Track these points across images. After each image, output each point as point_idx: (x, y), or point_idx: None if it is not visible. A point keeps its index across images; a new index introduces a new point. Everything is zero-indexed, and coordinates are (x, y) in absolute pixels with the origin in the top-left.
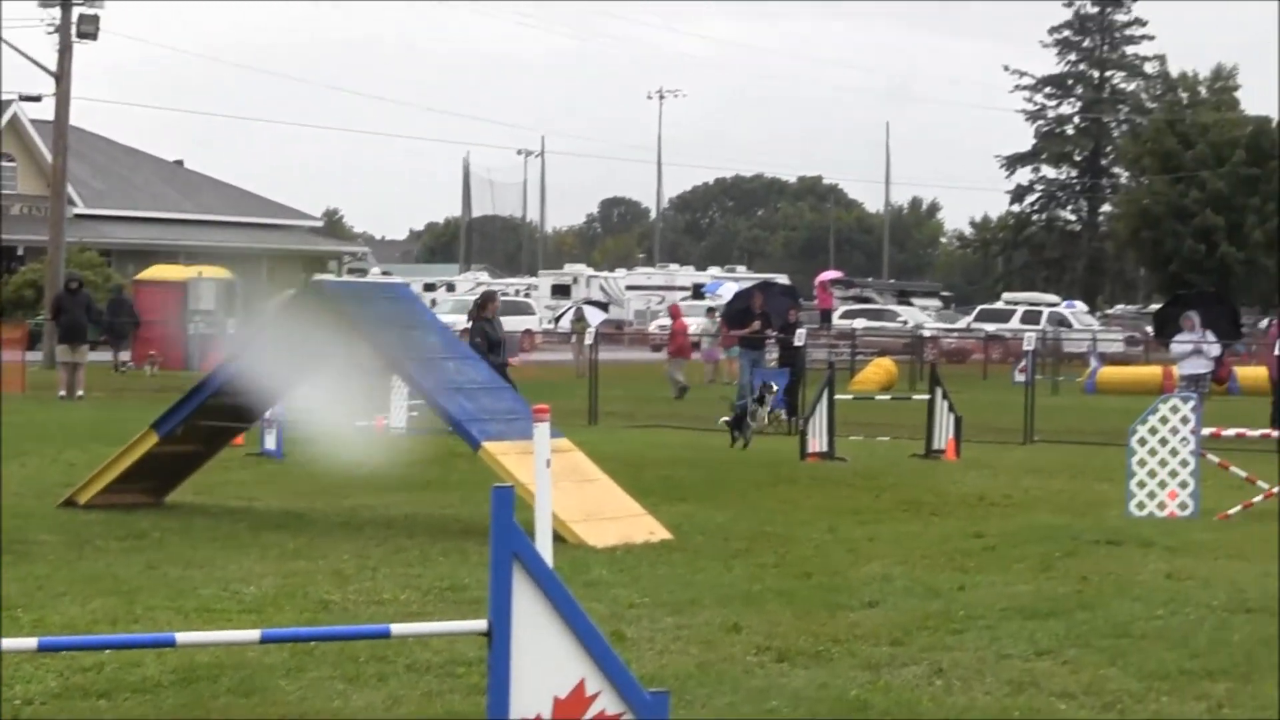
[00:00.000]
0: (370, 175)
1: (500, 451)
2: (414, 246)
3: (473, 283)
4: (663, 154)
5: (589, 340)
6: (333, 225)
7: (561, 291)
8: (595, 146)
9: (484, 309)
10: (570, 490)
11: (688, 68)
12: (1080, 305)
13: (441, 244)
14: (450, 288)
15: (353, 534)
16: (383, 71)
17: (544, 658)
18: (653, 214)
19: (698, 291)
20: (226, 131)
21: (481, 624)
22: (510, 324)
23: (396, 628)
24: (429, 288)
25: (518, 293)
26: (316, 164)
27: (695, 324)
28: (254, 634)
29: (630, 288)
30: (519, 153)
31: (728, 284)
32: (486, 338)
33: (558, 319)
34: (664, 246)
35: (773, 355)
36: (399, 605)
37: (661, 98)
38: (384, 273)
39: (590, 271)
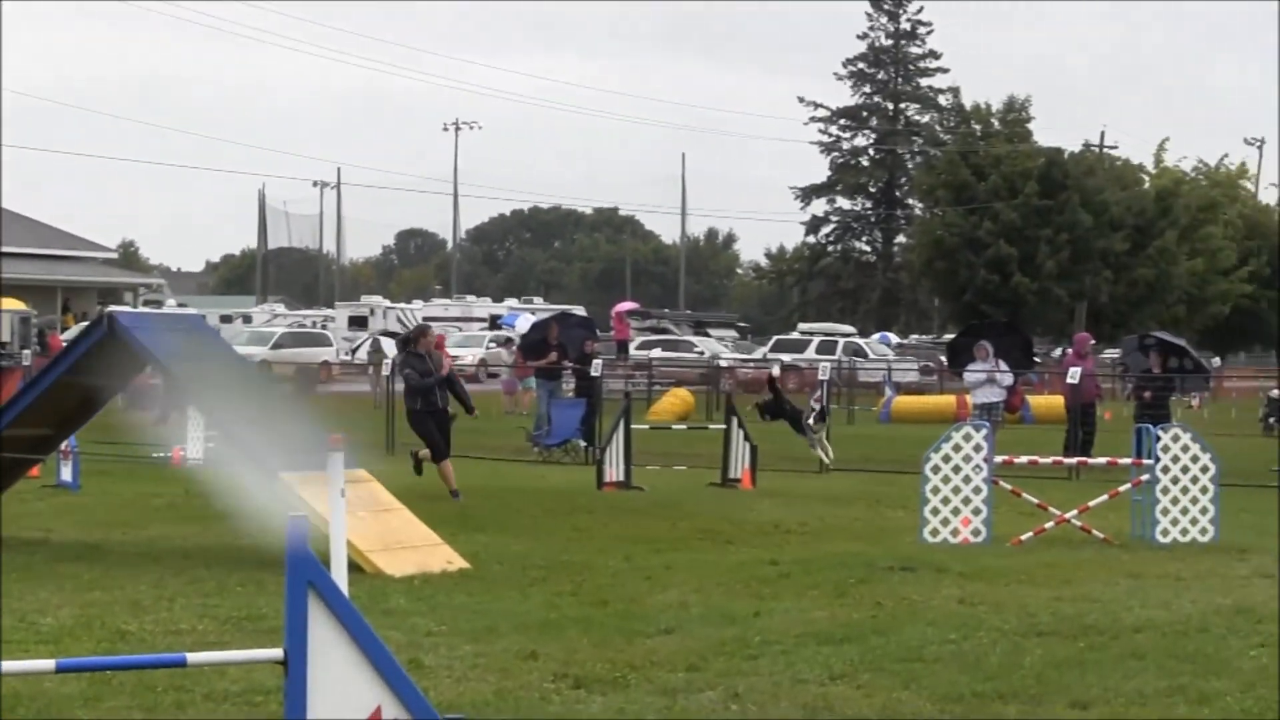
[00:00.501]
0: (166, 207)
1: (297, 481)
2: (210, 278)
3: (269, 314)
4: (459, 186)
5: (385, 371)
6: (128, 257)
7: (358, 323)
8: (392, 179)
9: (416, 343)
10: (367, 520)
11: (484, 100)
12: (893, 337)
13: (238, 276)
14: (247, 319)
15: (150, 564)
16: (176, 103)
17: (341, 685)
18: (449, 245)
19: (494, 323)
20: (18, 163)
21: (277, 653)
22: (307, 355)
23: (193, 656)
24: (225, 319)
25: (314, 324)
26: (111, 195)
27: (472, 355)
28: (49, 663)
29: (427, 319)
30: (315, 184)
31: (524, 316)
32: (417, 373)
33: (354, 350)
34: (461, 278)
35: (569, 386)
36: (196, 635)
37: (458, 129)
38: (180, 304)
39: (387, 303)
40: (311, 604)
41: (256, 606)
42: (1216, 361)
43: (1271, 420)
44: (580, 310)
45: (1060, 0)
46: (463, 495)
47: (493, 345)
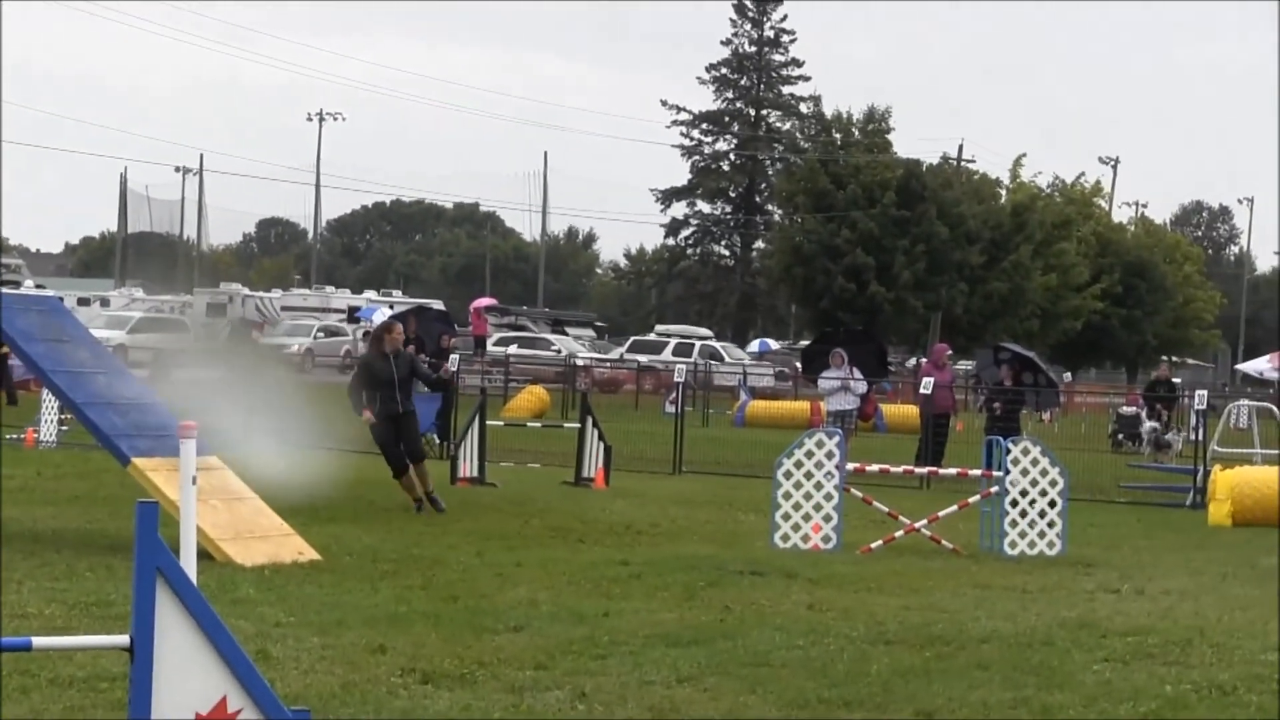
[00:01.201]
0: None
1: (150, 468)
2: (69, 260)
3: (128, 298)
4: (321, 176)
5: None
6: None
7: (217, 310)
8: (254, 166)
9: (381, 340)
10: (219, 508)
11: (347, 91)
12: (774, 344)
13: (97, 259)
14: (105, 303)
15: None
16: (38, 83)
17: (186, 674)
18: (310, 235)
19: (353, 314)
20: None
21: (124, 639)
22: (164, 341)
23: (38, 641)
24: (83, 302)
25: (172, 310)
26: None
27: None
28: None
29: (286, 308)
30: (177, 170)
31: (381, 308)
32: (371, 373)
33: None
34: (321, 268)
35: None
36: (44, 619)
37: (321, 120)
38: (38, 286)
39: (246, 291)
40: (160, 591)
41: (105, 592)
42: (1068, 376)
43: (1120, 436)
44: (439, 305)
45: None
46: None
47: (320, 335)
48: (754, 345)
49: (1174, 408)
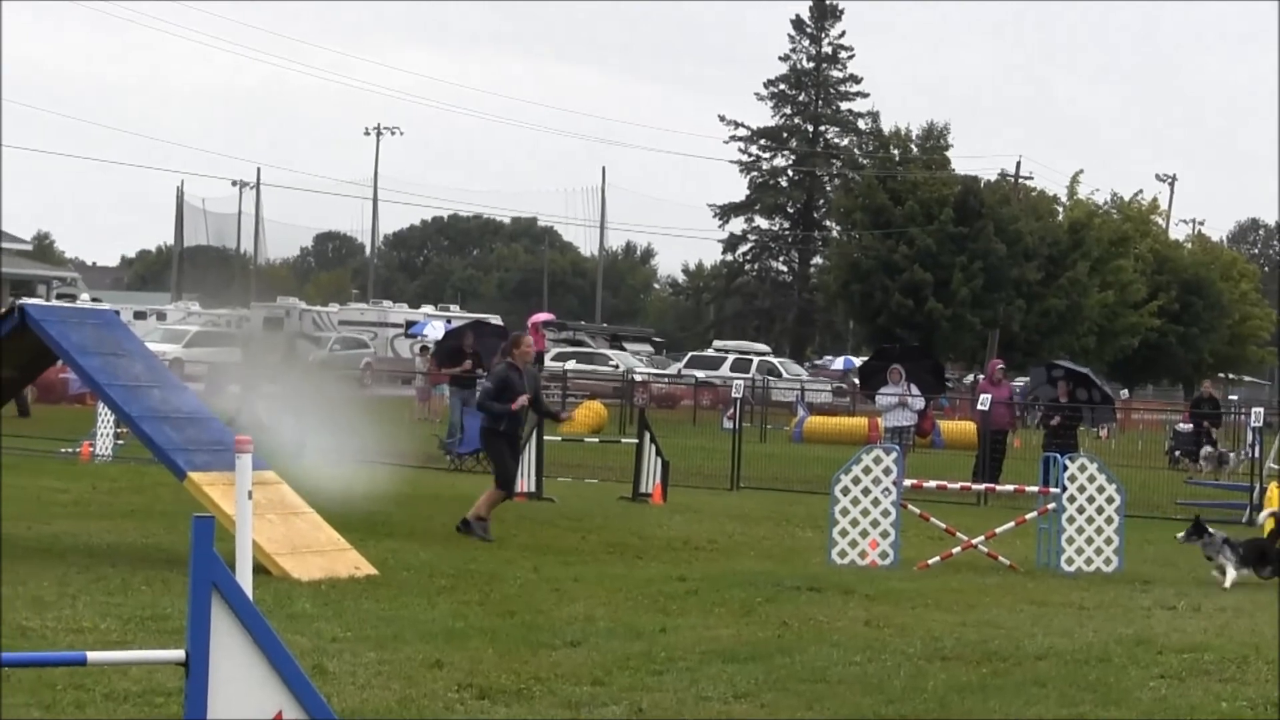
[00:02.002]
0: (82, 200)
1: (206, 482)
2: (125, 273)
3: (184, 312)
4: (379, 190)
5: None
6: (42, 249)
7: (274, 324)
8: (312, 181)
9: (510, 353)
10: (276, 523)
11: (406, 105)
12: (856, 361)
13: (153, 272)
14: (161, 316)
15: (54, 561)
16: (96, 96)
17: (242, 689)
18: (367, 250)
19: (408, 329)
20: None
21: (179, 654)
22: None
23: (93, 655)
24: (139, 315)
25: (228, 324)
26: (26, 187)
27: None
28: None
29: (343, 323)
30: (234, 183)
31: (435, 322)
32: (508, 386)
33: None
34: (378, 283)
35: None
36: (99, 634)
37: (379, 134)
38: (93, 299)
39: (303, 305)
40: (215, 606)
41: (161, 606)
42: (1124, 393)
43: (1177, 453)
44: (496, 319)
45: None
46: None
47: (337, 347)
48: (838, 363)
49: (1220, 424)
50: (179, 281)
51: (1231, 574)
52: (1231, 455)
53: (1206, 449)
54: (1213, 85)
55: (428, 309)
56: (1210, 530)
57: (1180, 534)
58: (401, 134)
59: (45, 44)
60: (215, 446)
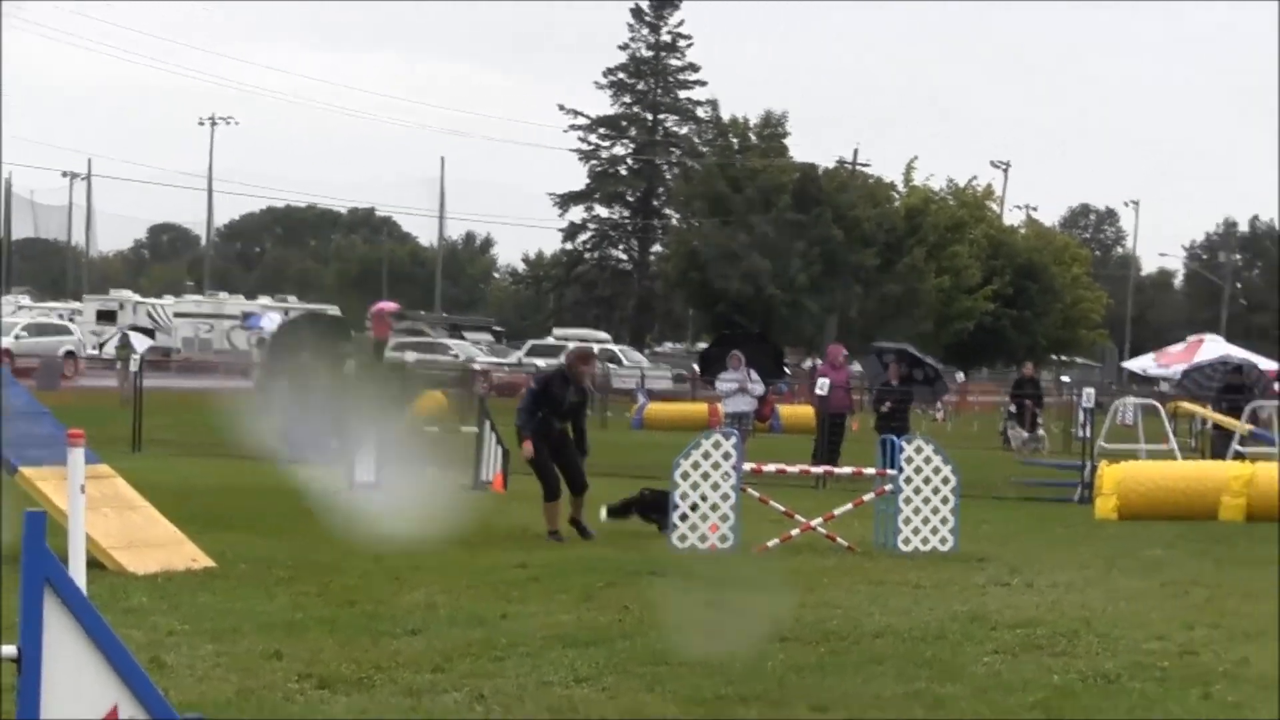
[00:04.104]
0: None
1: (38, 477)
2: None
3: (14, 305)
4: (214, 182)
5: (134, 368)
6: None
7: (107, 317)
8: (145, 172)
9: (572, 367)
10: (110, 517)
11: (241, 96)
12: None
13: None
14: None
15: None
16: None
17: (76, 684)
18: (203, 241)
19: (244, 321)
20: None
21: (11, 650)
22: (50, 346)
23: None
24: None
25: (60, 317)
26: None
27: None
28: None
29: (179, 315)
30: (64, 175)
31: (272, 314)
32: (544, 397)
33: (102, 345)
34: (214, 275)
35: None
36: None
37: (214, 124)
38: None
39: (137, 297)
40: (48, 601)
41: None
42: (961, 377)
43: (1010, 434)
44: (334, 310)
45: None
46: (209, 495)
47: (23, 335)
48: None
49: (1042, 404)
50: (8, 275)
51: None
52: (1017, 433)
53: (1021, 433)
54: (1045, 72)
55: (265, 300)
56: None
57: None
58: (236, 124)
59: None
60: (47, 441)
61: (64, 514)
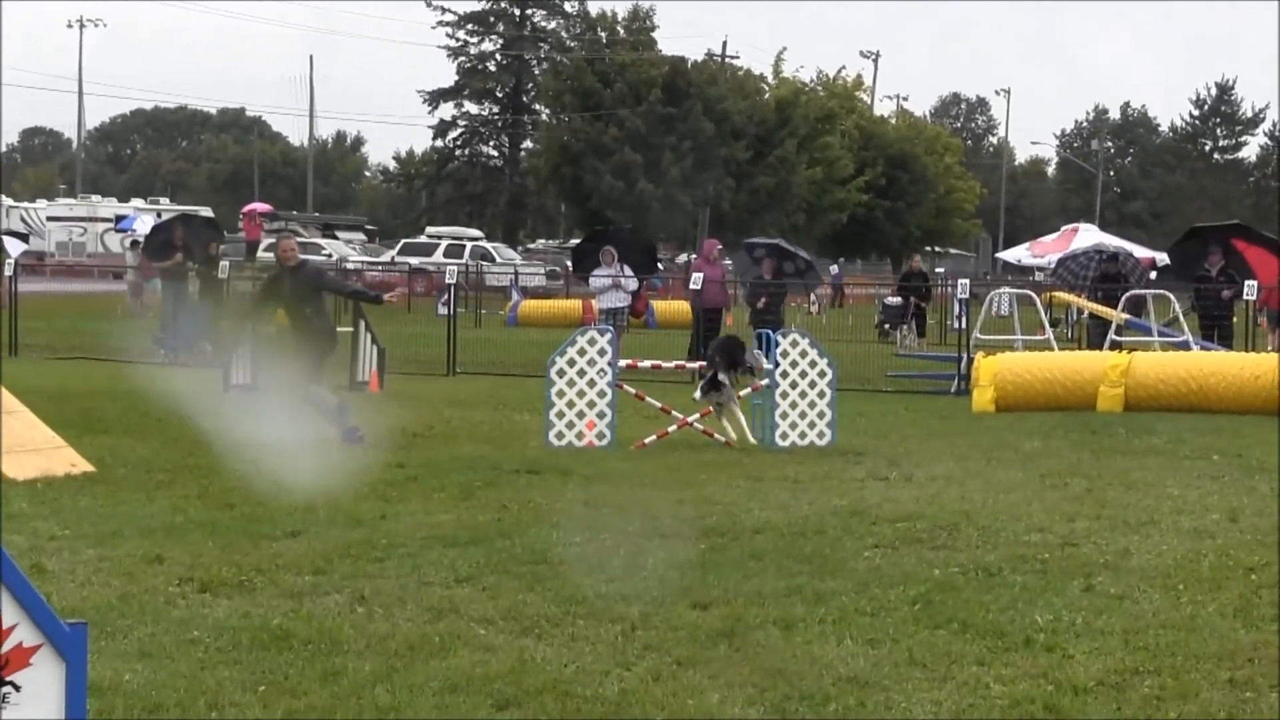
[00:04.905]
0: None
1: None
2: None
3: None
4: (84, 84)
5: (8, 272)
6: None
7: None
8: (14, 75)
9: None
10: None
11: None
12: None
13: None
14: None
15: None
16: None
17: None
18: (74, 144)
19: (117, 223)
20: None
21: None
22: None
23: None
24: None
25: None
26: None
27: None
28: None
29: (52, 219)
30: None
31: (143, 217)
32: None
33: None
34: (86, 178)
35: (195, 288)
36: None
37: (82, 26)
38: None
39: (10, 202)
40: None
41: None
42: (834, 269)
43: (886, 326)
44: (206, 211)
45: None
46: (86, 399)
47: None
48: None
49: (929, 298)
50: None
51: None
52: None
53: (908, 332)
54: None
55: (137, 203)
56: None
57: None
58: (105, 26)
59: None
60: None
61: None
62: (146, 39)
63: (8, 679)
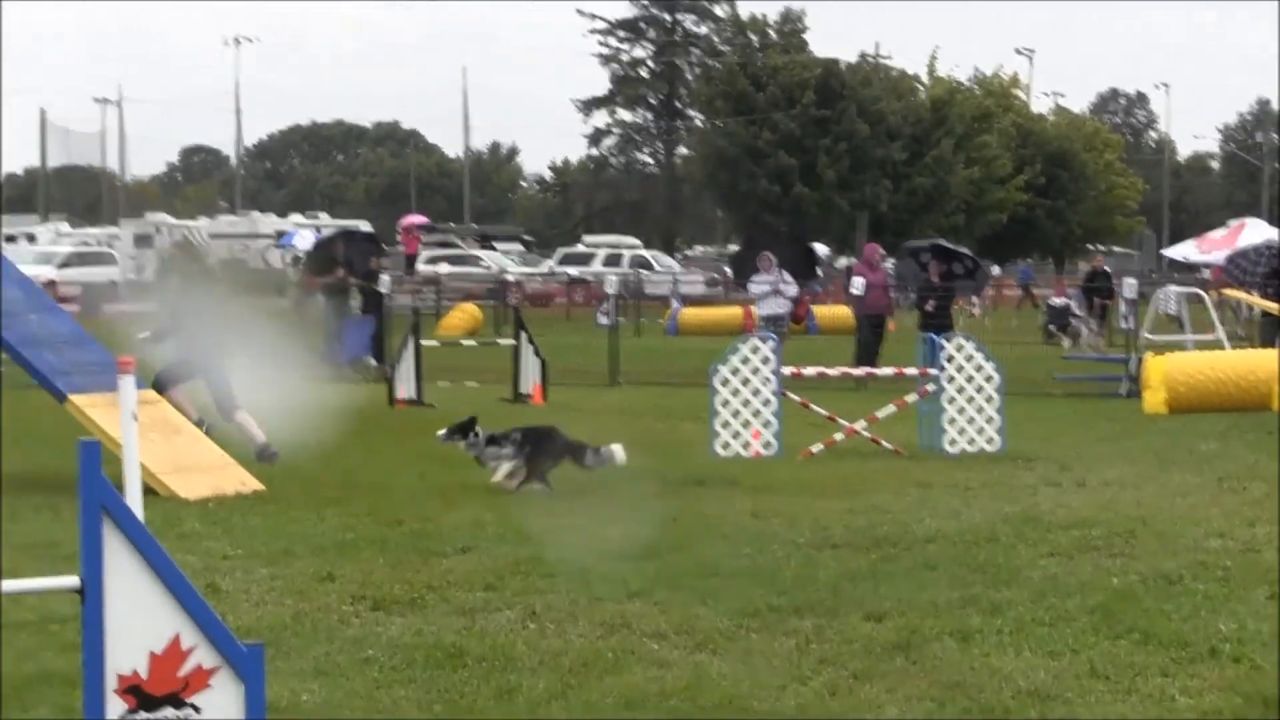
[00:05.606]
0: None
1: (87, 404)
2: None
3: (54, 234)
4: (241, 101)
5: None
6: None
7: (144, 241)
8: (173, 94)
9: None
10: (159, 442)
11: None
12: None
13: (21, 195)
14: (31, 239)
15: None
16: None
17: (138, 613)
18: (233, 161)
19: (278, 239)
20: None
21: (74, 580)
22: (93, 275)
23: None
24: (9, 239)
25: (99, 243)
26: None
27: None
28: None
29: (214, 236)
30: (96, 101)
31: (303, 232)
32: None
33: (141, 269)
34: (245, 194)
35: (356, 302)
36: None
37: (239, 43)
38: None
39: (173, 220)
40: (107, 531)
41: (51, 533)
42: (996, 270)
43: (1052, 328)
44: (365, 226)
45: None
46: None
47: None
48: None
49: (1113, 297)
50: (47, 203)
51: (506, 466)
52: (1081, 326)
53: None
54: None
55: (297, 218)
56: (476, 431)
57: (442, 431)
58: (260, 42)
59: None
60: (94, 368)
61: (113, 440)
62: (299, 54)
63: (188, 701)
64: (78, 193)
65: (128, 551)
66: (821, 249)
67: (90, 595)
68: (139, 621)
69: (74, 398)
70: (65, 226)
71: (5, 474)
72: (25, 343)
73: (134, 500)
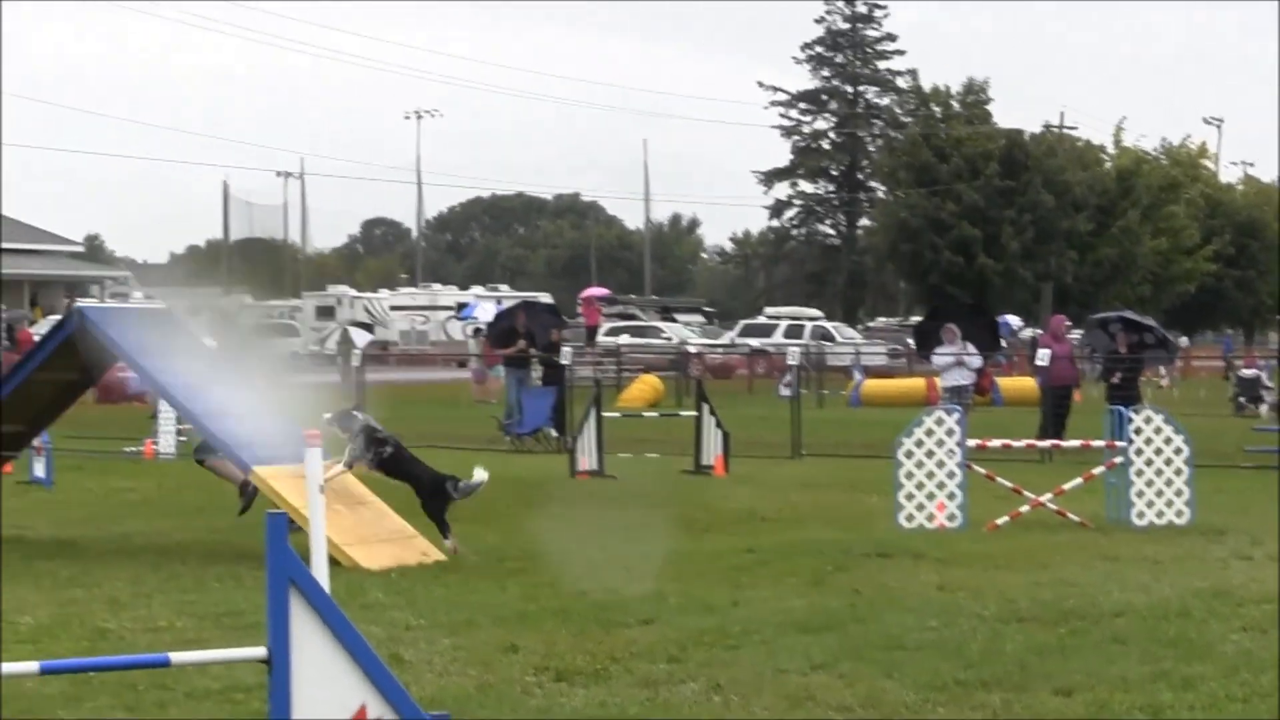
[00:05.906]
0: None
1: (271, 475)
2: (176, 270)
3: (237, 306)
4: (422, 174)
5: (355, 362)
6: (93, 250)
7: (326, 313)
8: (354, 168)
9: None
10: (342, 513)
11: (443, 87)
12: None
13: (203, 267)
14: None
15: (126, 560)
16: (137, 97)
17: (324, 683)
18: (414, 233)
19: (459, 311)
20: None
21: (261, 651)
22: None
23: (176, 656)
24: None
25: (281, 315)
26: (76, 189)
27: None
28: (33, 666)
29: (394, 308)
30: (278, 174)
31: (485, 304)
32: None
33: (323, 341)
34: (426, 266)
35: (538, 374)
36: (176, 632)
37: (419, 117)
38: (147, 297)
39: (354, 293)
40: (293, 601)
41: (235, 602)
42: (1184, 341)
43: (1242, 399)
44: (546, 297)
45: None
46: None
47: None
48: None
49: None
50: (229, 275)
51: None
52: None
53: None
54: (1256, 28)
55: (478, 290)
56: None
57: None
58: (441, 116)
59: (87, 46)
60: (277, 440)
61: (296, 511)
62: (480, 128)
63: None
64: (260, 265)
65: (314, 622)
66: (1015, 320)
67: (277, 665)
68: (325, 692)
69: (257, 469)
70: (247, 299)
71: (190, 543)
72: (210, 414)
73: (320, 572)
